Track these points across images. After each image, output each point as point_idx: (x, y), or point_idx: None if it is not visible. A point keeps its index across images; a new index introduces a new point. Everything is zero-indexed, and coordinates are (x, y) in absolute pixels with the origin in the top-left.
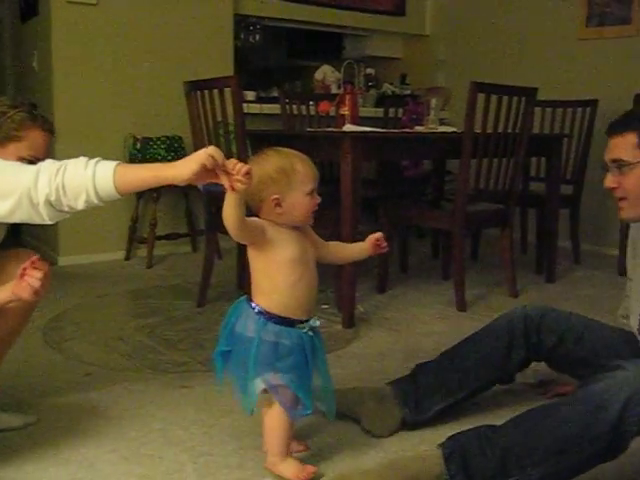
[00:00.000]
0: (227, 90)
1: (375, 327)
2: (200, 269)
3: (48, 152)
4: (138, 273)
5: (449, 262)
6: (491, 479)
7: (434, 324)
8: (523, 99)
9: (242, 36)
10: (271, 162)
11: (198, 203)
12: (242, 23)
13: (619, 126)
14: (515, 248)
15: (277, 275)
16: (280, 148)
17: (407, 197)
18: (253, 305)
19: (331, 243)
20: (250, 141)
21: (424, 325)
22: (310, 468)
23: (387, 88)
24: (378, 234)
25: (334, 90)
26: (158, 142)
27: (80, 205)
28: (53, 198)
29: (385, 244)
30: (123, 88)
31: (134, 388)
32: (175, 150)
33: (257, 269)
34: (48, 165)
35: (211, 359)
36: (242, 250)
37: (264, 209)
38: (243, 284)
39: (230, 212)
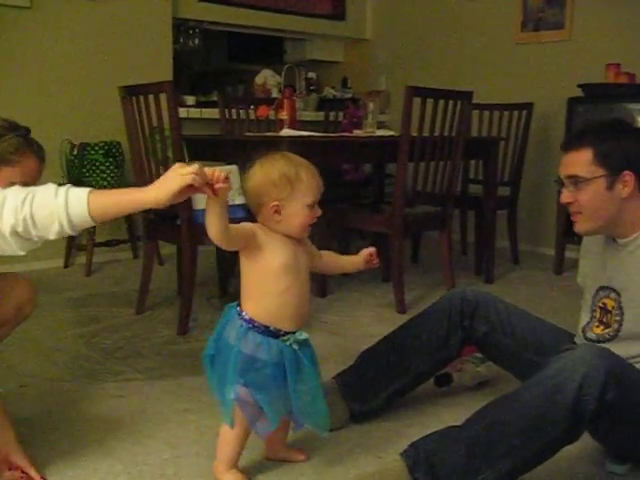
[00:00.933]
0: (163, 95)
1: (315, 331)
2: (140, 276)
3: (38, 180)
4: (77, 281)
5: (389, 264)
6: (462, 477)
7: (373, 326)
8: (459, 103)
9: (181, 40)
10: (276, 167)
11: None
12: (181, 27)
13: (574, 142)
14: (455, 249)
15: (266, 281)
16: (289, 154)
17: (347, 201)
18: (240, 311)
19: (324, 253)
20: (187, 146)
21: (363, 327)
22: None
23: (328, 92)
24: (371, 249)
25: (275, 94)
26: (96, 148)
27: (52, 235)
28: (20, 229)
29: (377, 260)
30: (58, 93)
31: (70, 398)
32: (114, 156)
33: (246, 274)
34: (14, 193)
35: (149, 367)
36: (181, 257)
37: (263, 214)
38: (184, 291)
39: (213, 221)
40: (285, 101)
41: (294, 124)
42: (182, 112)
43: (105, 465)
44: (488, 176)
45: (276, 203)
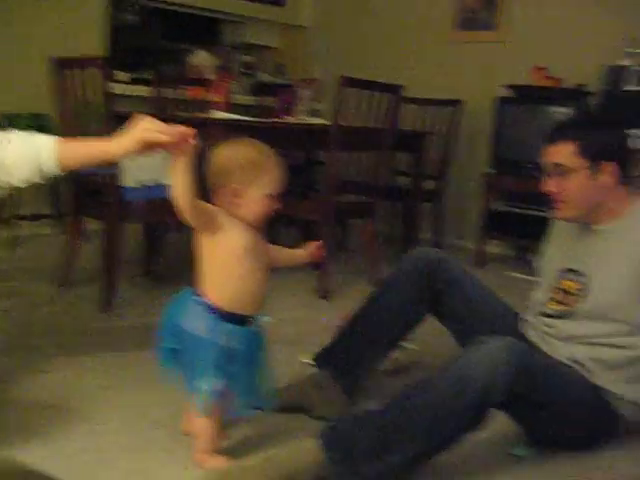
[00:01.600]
0: (95, 70)
1: None
2: (64, 252)
3: None
4: None
5: None
6: (373, 457)
7: (296, 311)
8: (390, 95)
9: (119, 15)
10: (245, 151)
11: (63, 183)
12: (119, 2)
13: (557, 136)
14: (382, 239)
15: (229, 265)
16: (257, 142)
17: None
18: (202, 300)
19: (271, 247)
20: (118, 123)
21: (286, 312)
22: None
23: (263, 77)
24: (319, 243)
25: (209, 76)
26: (24, 119)
27: (16, 182)
28: None
29: (324, 254)
30: None
31: None
32: (42, 129)
33: (209, 259)
34: None
35: (70, 344)
36: (107, 234)
37: (220, 195)
38: (109, 268)
39: (181, 181)
40: (219, 83)
41: (226, 107)
42: (116, 88)
43: (20, 440)
44: (416, 169)
45: (237, 186)
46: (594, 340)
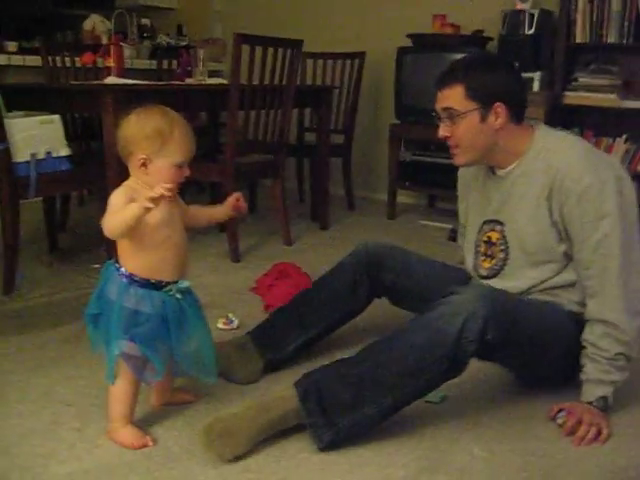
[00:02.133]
0: None
1: None
2: None
3: None
4: None
5: None
6: (348, 409)
7: (206, 276)
8: (289, 51)
9: None
10: (152, 120)
11: None
12: None
13: (446, 79)
14: (292, 197)
15: (144, 236)
16: (168, 109)
17: None
18: (118, 267)
19: (191, 207)
20: (7, 96)
21: (196, 278)
22: (149, 438)
23: (162, 39)
24: (237, 194)
25: (105, 41)
26: None
27: None
28: None
29: (244, 205)
30: None
31: None
32: None
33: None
34: None
35: None
36: (5, 213)
37: (131, 163)
38: (7, 248)
39: (129, 226)
40: (112, 47)
41: (121, 72)
42: (2, 59)
43: None
44: (321, 124)
45: (144, 156)
46: (541, 287)
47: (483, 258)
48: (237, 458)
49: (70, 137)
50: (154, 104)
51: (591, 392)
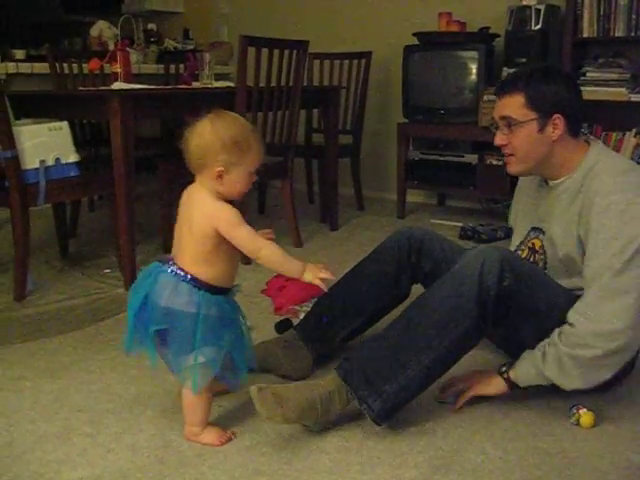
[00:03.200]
0: None
1: None
2: None
3: None
4: None
5: None
6: (391, 375)
7: None
8: (295, 52)
9: None
10: (227, 129)
11: None
12: None
13: (507, 87)
14: (302, 199)
15: (225, 248)
16: (238, 116)
17: None
18: (184, 275)
19: None
20: (15, 103)
21: None
22: (229, 433)
23: (169, 44)
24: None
25: (112, 47)
26: None
27: None
28: None
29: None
30: None
31: None
32: None
33: (213, 245)
34: None
35: None
36: (16, 220)
37: (204, 175)
38: (18, 255)
39: (276, 269)
40: (118, 53)
41: (128, 77)
42: (11, 67)
43: None
44: (329, 125)
45: (221, 169)
46: (578, 293)
47: None
48: (286, 421)
49: (79, 143)
50: (221, 108)
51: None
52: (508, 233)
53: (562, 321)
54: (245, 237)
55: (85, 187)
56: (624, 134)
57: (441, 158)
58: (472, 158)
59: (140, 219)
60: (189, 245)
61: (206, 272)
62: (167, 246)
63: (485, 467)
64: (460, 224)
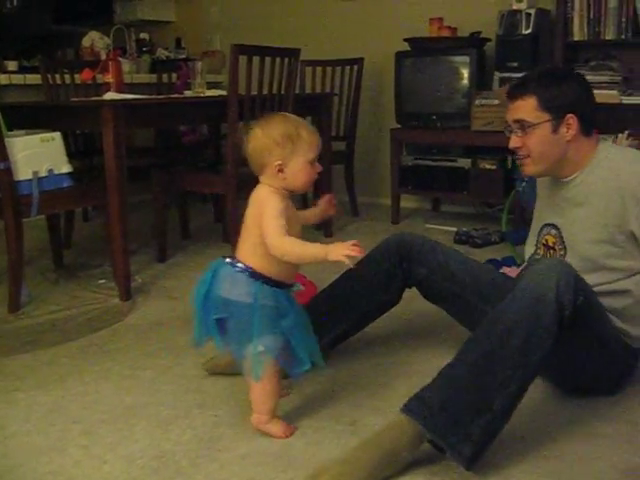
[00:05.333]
0: None
1: (153, 297)
2: None
3: None
4: None
5: (228, 225)
6: (477, 413)
7: None
8: (287, 60)
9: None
10: (277, 127)
11: None
12: None
13: (519, 89)
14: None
15: None
16: (287, 114)
17: (185, 163)
18: (242, 267)
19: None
20: (6, 114)
21: None
22: (293, 427)
23: (161, 53)
24: (329, 195)
25: (104, 57)
26: None
27: None
28: None
29: (334, 206)
30: None
31: None
32: None
33: (259, 226)
34: None
35: None
36: (10, 231)
37: (267, 173)
38: (12, 266)
39: (300, 261)
40: (110, 63)
41: (120, 87)
42: (3, 78)
43: None
44: (322, 131)
45: (279, 162)
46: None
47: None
48: None
49: (72, 154)
50: (272, 113)
51: None
52: (502, 237)
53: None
54: (272, 227)
55: (78, 198)
56: (617, 136)
57: (434, 163)
58: (465, 163)
59: (134, 229)
60: (247, 238)
61: (262, 264)
62: (162, 255)
63: (479, 470)
64: (454, 229)
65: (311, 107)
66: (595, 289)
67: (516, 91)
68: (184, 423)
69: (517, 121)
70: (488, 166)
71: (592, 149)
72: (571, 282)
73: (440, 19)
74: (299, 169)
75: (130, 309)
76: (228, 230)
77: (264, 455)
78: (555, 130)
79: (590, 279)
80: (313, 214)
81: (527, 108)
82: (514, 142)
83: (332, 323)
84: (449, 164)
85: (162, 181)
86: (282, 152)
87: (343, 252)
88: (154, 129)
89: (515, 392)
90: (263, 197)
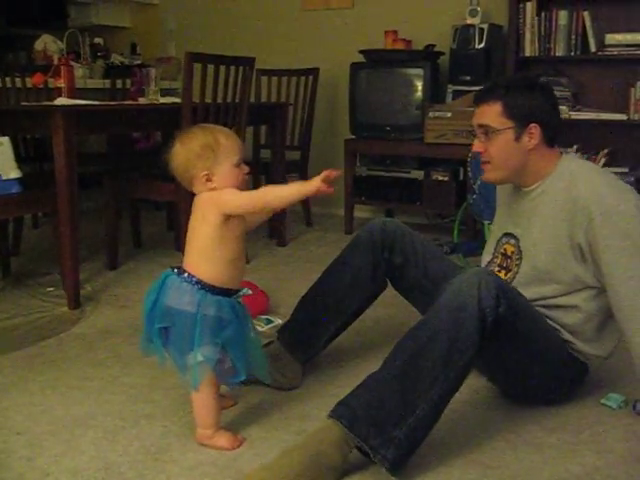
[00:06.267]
0: None
1: (103, 305)
2: None
3: None
4: None
5: (181, 233)
6: (400, 417)
7: None
8: (241, 69)
9: None
10: (196, 139)
11: None
12: None
13: (485, 96)
14: None
15: (229, 247)
16: (204, 124)
17: (138, 170)
18: (188, 276)
19: (261, 189)
20: None
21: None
22: (240, 437)
23: (116, 58)
24: (331, 170)
25: (57, 61)
26: None
27: None
28: None
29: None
30: None
31: None
32: None
33: (212, 239)
34: None
35: None
36: None
37: (197, 185)
38: None
39: (286, 203)
40: (62, 68)
41: (72, 93)
42: None
43: None
44: (276, 141)
45: (206, 172)
46: (542, 303)
47: (498, 269)
48: None
49: (21, 159)
50: (192, 127)
51: None
52: (454, 248)
53: (549, 345)
54: (236, 195)
55: (27, 204)
56: (565, 151)
57: (388, 174)
58: (418, 174)
59: (85, 236)
60: (193, 244)
61: (208, 271)
62: (113, 263)
63: None
64: None
65: (266, 116)
66: (544, 302)
67: (483, 96)
68: (131, 434)
69: (481, 126)
70: (441, 178)
71: (554, 160)
72: (492, 290)
73: (395, 32)
74: (226, 174)
75: (79, 318)
76: (180, 238)
77: (212, 466)
78: (517, 138)
79: (540, 291)
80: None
81: (492, 114)
82: (477, 147)
83: (328, 323)
84: (402, 175)
85: (114, 188)
86: (205, 163)
87: (319, 179)
88: (107, 135)
89: (438, 399)
90: (209, 196)
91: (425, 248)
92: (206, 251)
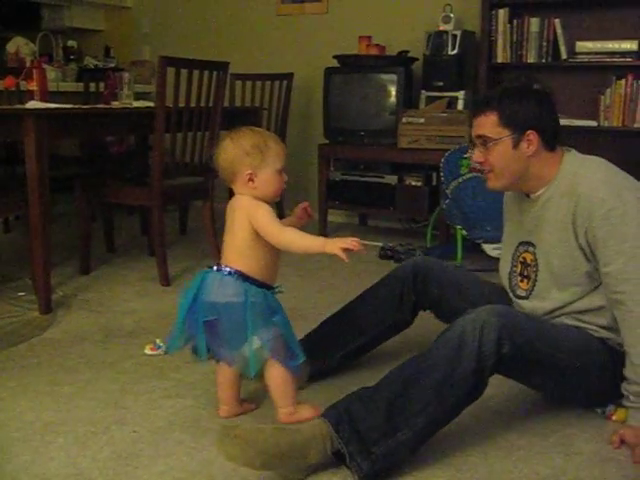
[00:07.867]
0: None
1: (74, 310)
2: None
3: None
4: None
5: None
6: (382, 436)
7: (136, 301)
8: (215, 73)
9: None
10: (246, 138)
11: None
12: None
13: (482, 106)
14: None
15: (267, 248)
16: (254, 127)
17: (111, 174)
18: (228, 270)
19: None
20: None
21: (125, 303)
22: (318, 407)
23: (89, 61)
24: (305, 203)
25: (29, 64)
26: None
27: None
28: None
29: (310, 213)
30: None
31: None
32: None
33: (249, 240)
34: None
35: None
36: None
37: (238, 182)
38: None
39: (302, 252)
40: (34, 71)
41: (44, 96)
42: None
43: None
44: None
45: (250, 171)
46: (566, 310)
47: (520, 279)
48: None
49: None
50: (243, 126)
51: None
52: (426, 253)
53: (574, 362)
54: (272, 227)
55: None
56: (568, 149)
57: (362, 179)
58: (392, 179)
59: (57, 240)
60: (231, 243)
61: (249, 265)
62: (85, 268)
63: None
64: (380, 244)
65: (240, 121)
66: (568, 309)
67: (479, 107)
68: (102, 440)
69: (479, 136)
70: (414, 183)
71: (556, 163)
72: (493, 333)
73: (369, 37)
74: (268, 178)
75: (50, 323)
76: (154, 243)
77: (183, 472)
78: (515, 146)
79: (561, 297)
80: (289, 222)
81: (488, 124)
82: (477, 157)
83: (347, 340)
84: (376, 180)
85: (87, 192)
86: (252, 162)
87: (341, 245)
88: (80, 138)
89: (422, 428)
90: (248, 205)
91: (460, 276)
92: (244, 249)
